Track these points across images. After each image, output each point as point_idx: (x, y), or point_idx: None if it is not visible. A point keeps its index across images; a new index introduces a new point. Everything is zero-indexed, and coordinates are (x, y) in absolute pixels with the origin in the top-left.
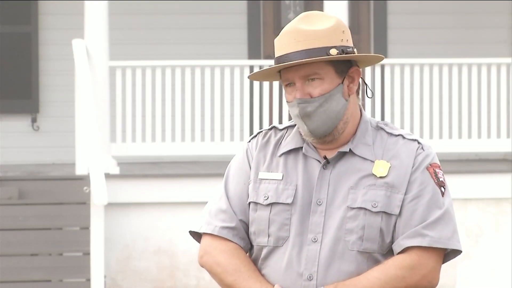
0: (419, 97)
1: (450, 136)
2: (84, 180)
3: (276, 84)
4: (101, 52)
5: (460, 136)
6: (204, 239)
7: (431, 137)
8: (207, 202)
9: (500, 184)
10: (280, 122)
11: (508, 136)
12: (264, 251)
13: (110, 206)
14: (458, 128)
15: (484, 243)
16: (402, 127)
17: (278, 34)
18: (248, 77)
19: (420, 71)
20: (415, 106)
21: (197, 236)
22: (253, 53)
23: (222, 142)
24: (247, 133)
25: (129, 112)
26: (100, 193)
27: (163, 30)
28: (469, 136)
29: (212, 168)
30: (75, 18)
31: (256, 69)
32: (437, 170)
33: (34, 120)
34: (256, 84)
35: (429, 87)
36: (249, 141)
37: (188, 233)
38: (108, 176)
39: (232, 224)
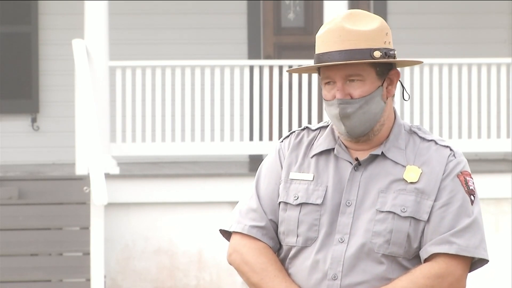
0: (419, 97)
1: (450, 136)
2: (84, 180)
3: (275, 84)
4: (101, 52)
5: (460, 136)
6: (234, 238)
7: None
8: (207, 202)
9: (500, 184)
10: (280, 122)
11: (508, 136)
12: (292, 251)
13: (110, 206)
14: (458, 128)
15: None
16: None
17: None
18: (287, 71)
19: (420, 71)
20: (415, 106)
21: (227, 235)
22: (253, 53)
23: (222, 142)
24: (247, 133)
25: (129, 112)
26: (100, 193)
27: (163, 30)
28: (469, 136)
29: (212, 168)
30: (75, 18)
31: (256, 70)
32: (468, 178)
33: (34, 120)
34: (256, 84)
35: (429, 87)
36: (282, 141)
37: (219, 232)
38: (108, 176)
39: (262, 224)
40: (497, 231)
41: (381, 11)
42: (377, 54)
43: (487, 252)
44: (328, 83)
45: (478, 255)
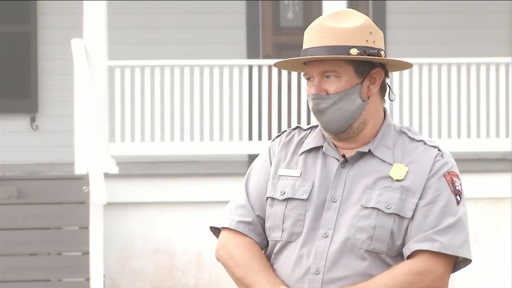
0: (418, 97)
1: (449, 136)
2: (83, 179)
3: (275, 84)
4: (100, 51)
5: (459, 136)
6: (222, 234)
7: (430, 136)
8: (206, 202)
9: (499, 184)
10: (279, 122)
11: (507, 136)
12: (277, 246)
13: (109, 205)
14: (457, 127)
15: (483, 242)
16: None
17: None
18: (274, 65)
19: (419, 70)
20: (414, 106)
21: (217, 232)
22: (252, 53)
23: (221, 142)
24: (246, 132)
25: (128, 112)
26: (99, 193)
27: (162, 30)
28: (468, 135)
29: (211, 168)
30: (74, 18)
31: (255, 69)
32: (455, 179)
33: (33, 120)
34: (255, 83)
35: (428, 87)
36: (273, 140)
37: (209, 229)
38: (107, 175)
39: (249, 219)
40: (497, 231)
41: (380, 11)
42: (353, 51)
43: (471, 253)
44: (309, 79)
45: (461, 254)
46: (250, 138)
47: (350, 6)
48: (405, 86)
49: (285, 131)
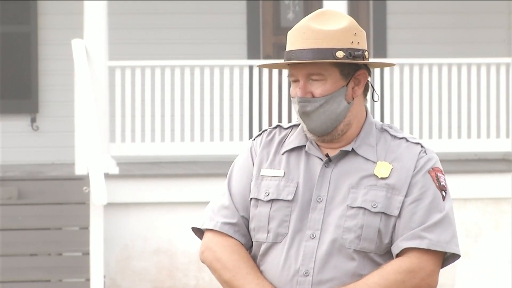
0: (418, 97)
1: (450, 136)
2: (84, 180)
3: (275, 83)
4: (100, 52)
5: (459, 136)
6: (206, 235)
7: (430, 137)
8: (206, 202)
9: (500, 184)
10: (280, 122)
11: (507, 136)
12: (263, 247)
13: (109, 206)
14: (458, 128)
15: (483, 242)
16: (401, 127)
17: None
18: (258, 66)
19: (419, 71)
20: (415, 106)
21: (199, 233)
22: (252, 53)
23: (221, 142)
24: (247, 133)
25: (129, 112)
26: (99, 193)
27: (163, 30)
28: (469, 136)
29: (212, 168)
30: (74, 18)
31: (255, 69)
32: (439, 174)
33: (33, 120)
34: (255, 83)
35: (428, 87)
36: (254, 139)
37: (191, 230)
38: (107, 176)
39: (234, 220)
40: (497, 231)
41: (381, 11)
42: (339, 54)
43: (459, 247)
44: (294, 80)
45: (450, 250)
46: (251, 138)
47: (350, 6)
48: (405, 87)
49: (266, 130)
